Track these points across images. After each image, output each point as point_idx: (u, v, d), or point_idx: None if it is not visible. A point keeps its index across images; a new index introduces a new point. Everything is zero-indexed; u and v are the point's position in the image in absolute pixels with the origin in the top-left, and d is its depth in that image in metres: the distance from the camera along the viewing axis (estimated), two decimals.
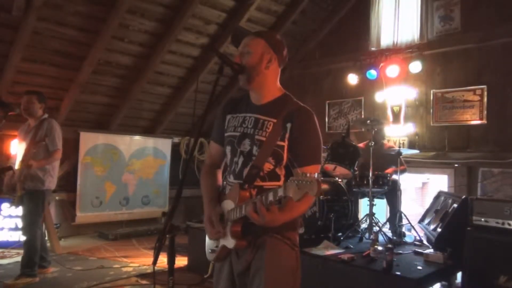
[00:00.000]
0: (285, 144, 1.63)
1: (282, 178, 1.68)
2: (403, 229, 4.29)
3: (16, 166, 3.85)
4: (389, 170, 4.50)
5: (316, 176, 1.23)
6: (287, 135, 1.63)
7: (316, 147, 1.66)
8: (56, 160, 3.92)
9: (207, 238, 1.82)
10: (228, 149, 1.77)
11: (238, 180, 1.68)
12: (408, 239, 4.09)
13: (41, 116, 3.96)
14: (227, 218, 1.64)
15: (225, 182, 1.82)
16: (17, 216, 5.07)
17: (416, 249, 3.70)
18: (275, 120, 1.66)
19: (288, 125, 1.63)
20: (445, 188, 5.15)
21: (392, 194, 4.44)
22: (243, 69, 1.68)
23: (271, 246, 1.62)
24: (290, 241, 1.65)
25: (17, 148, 4.03)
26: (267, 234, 1.62)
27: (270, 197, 1.39)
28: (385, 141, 5.07)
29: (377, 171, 4.29)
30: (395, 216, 4.40)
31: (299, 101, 1.74)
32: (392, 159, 4.57)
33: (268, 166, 1.64)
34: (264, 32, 1.78)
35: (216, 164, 1.89)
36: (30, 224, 3.81)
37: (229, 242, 1.61)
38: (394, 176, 4.47)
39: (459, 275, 3.40)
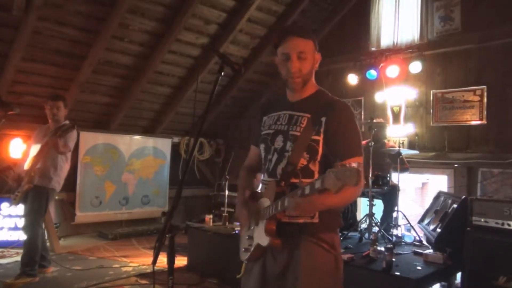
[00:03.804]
0: (320, 138, 1.61)
1: (316, 175, 1.63)
2: (401, 230, 4.29)
3: (27, 164, 3.88)
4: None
5: (356, 165, 1.19)
6: (322, 129, 1.61)
7: (355, 140, 1.63)
8: (64, 153, 3.93)
9: (241, 237, 1.80)
10: (262, 147, 1.77)
11: (272, 178, 1.67)
12: (407, 239, 4.09)
13: (63, 121, 4.04)
14: (263, 216, 1.62)
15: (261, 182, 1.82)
16: (17, 216, 5.07)
17: (416, 250, 3.70)
18: (309, 115, 1.66)
19: (323, 119, 1.62)
20: (444, 189, 5.15)
21: (389, 194, 4.44)
22: (242, 69, 1.68)
23: (306, 250, 1.59)
24: (327, 243, 1.61)
25: (30, 148, 4.06)
26: (301, 237, 1.60)
27: (307, 190, 1.35)
28: (386, 141, 5.07)
29: (377, 171, 4.29)
30: (387, 215, 4.41)
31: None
32: (392, 158, 4.57)
33: (302, 162, 1.62)
34: (310, 32, 1.74)
35: (253, 165, 1.89)
36: (32, 222, 3.82)
37: (263, 240, 1.59)
38: (394, 178, 4.47)
39: (458, 275, 3.41)
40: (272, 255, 1.66)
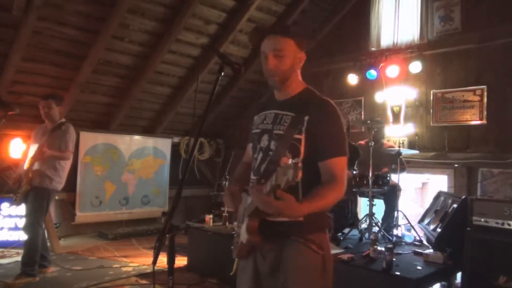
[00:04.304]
0: (302, 137, 1.61)
1: (299, 174, 1.64)
2: (401, 230, 4.29)
3: (26, 164, 3.87)
4: (383, 170, 4.51)
5: (295, 160, 1.26)
6: (303, 128, 1.61)
7: (338, 139, 1.62)
8: (65, 158, 3.94)
9: (234, 236, 1.82)
10: (250, 146, 1.80)
11: (257, 176, 1.69)
12: (407, 239, 4.09)
13: (58, 119, 4.02)
14: (246, 214, 1.64)
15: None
16: (17, 216, 5.07)
17: (416, 249, 3.70)
18: (293, 114, 1.66)
19: (306, 118, 1.62)
20: (445, 188, 5.14)
21: (390, 194, 4.44)
22: (242, 69, 1.68)
23: (293, 251, 1.59)
24: (315, 244, 1.61)
25: (29, 148, 4.06)
26: (289, 237, 1.60)
27: (268, 187, 1.41)
28: (385, 141, 5.07)
29: (376, 171, 4.29)
30: (388, 215, 4.41)
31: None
32: (392, 158, 4.57)
33: (285, 161, 1.60)
34: (292, 31, 1.74)
35: (250, 162, 1.90)
36: (33, 222, 3.81)
37: (244, 237, 1.60)
38: (394, 178, 4.47)
39: (458, 275, 3.40)
40: (261, 254, 1.67)
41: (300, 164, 1.26)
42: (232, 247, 1.78)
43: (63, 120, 4.06)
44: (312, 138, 1.61)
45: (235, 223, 1.81)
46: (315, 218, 1.57)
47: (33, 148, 3.93)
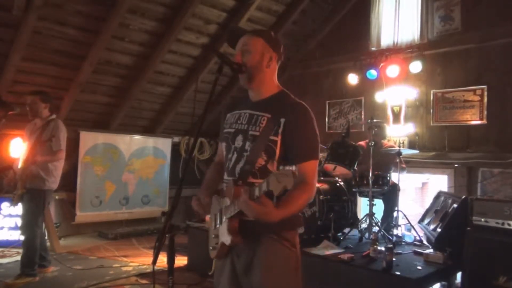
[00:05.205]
0: (278, 139, 1.62)
1: None
2: (401, 229, 4.29)
3: (20, 164, 3.85)
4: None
5: (293, 168, 1.28)
6: (280, 130, 1.62)
7: (311, 143, 1.64)
8: (59, 160, 3.90)
9: (208, 236, 1.82)
10: (223, 145, 1.79)
11: (231, 177, 1.68)
12: (408, 239, 4.09)
13: (47, 116, 3.96)
14: (224, 215, 1.64)
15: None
16: (17, 215, 5.07)
17: (416, 249, 3.70)
18: (269, 115, 1.66)
19: (282, 120, 1.62)
20: (445, 188, 5.15)
21: (390, 194, 4.44)
22: (242, 68, 1.68)
23: (267, 247, 1.61)
24: (288, 241, 1.64)
25: (21, 147, 4.03)
26: (263, 234, 1.62)
27: (256, 192, 1.41)
28: (385, 141, 5.07)
29: (376, 171, 4.29)
30: (388, 215, 4.41)
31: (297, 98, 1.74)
32: (392, 158, 4.57)
33: (260, 162, 1.63)
34: (261, 31, 1.79)
35: (222, 162, 1.90)
36: (29, 223, 3.80)
37: (226, 239, 1.61)
38: (394, 177, 4.47)
39: (458, 275, 3.41)
40: (236, 252, 1.68)
41: (296, 173, 1.29)
42: (210, 248, 1.78)
43: (53, 116, 3.99)
44: (287, 140, 1.62)
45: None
46: (288, 216, 1.59)
47: (24, 147, 3.89)
